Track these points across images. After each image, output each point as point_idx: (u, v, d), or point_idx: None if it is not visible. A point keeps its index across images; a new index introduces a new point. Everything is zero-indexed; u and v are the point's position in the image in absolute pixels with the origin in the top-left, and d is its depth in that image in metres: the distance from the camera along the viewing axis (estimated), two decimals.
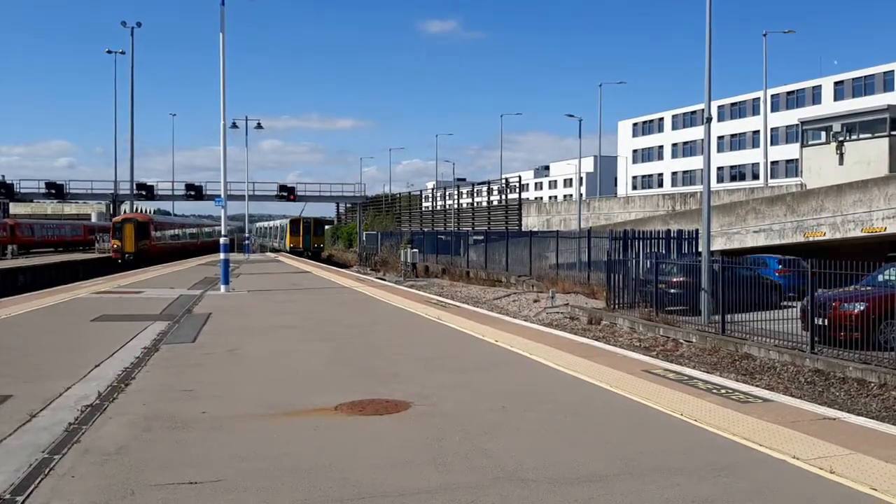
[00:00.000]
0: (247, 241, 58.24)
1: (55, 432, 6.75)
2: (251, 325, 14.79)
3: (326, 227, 79.82)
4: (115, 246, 50.67)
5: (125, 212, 58.70)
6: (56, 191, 61.75)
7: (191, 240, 70.66)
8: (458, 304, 20.47)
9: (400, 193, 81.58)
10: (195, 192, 64.73)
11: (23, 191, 62.07)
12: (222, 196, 24.92)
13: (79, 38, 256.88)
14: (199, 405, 7.88)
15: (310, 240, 65.66)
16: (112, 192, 61.75)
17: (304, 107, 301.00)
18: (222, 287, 22.32)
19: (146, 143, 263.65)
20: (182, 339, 12.67)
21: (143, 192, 63.68)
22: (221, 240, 23.75)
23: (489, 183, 56.63)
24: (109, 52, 57.49)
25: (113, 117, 68.39)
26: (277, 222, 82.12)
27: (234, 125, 52.36)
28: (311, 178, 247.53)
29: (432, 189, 71.49)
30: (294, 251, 62.58)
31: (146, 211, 75.60)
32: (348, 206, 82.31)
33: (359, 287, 24.51)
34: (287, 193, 66.94)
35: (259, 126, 55.05)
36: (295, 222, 67.03)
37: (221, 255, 23.13)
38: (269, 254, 65.48)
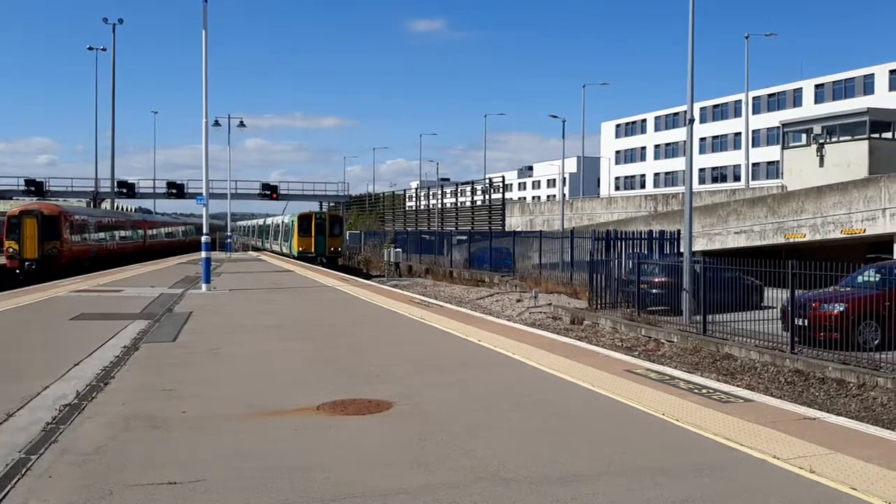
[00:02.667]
0: (229, 240, 57.96)
1: (32, 432, 6.66)
2: (233, 325, 14.69)
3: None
4: (11, 251, 34.83)
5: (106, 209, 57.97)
6: (35, 188, 61.19)
7: (137, 241, 55.11)
8: (441, 303, 20.44)
9: (384, 193, 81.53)
10: (177, 190, 64.37)
11: (1, 188, 61.48)
12: (204, 194, 24.76)
13: (60, 35, 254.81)
14: (179, 404, 7.81)
15: (324, 242, 48.94)
16: (93, 189, 61.28)
17: (289, 105, 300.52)
18: (203, 286, 22.18)
19: (128, 140, 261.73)
20: (162, 339, 12.56)
21: (124, 190, 63.28)
22: (203, 238, 23.63)
23: (473, 183, 56.66)
24: (90, 48, 56.95)
25: (94, 115, 68.04)
26: (276, 219, 63.90)
27: (217, 123, 52.06)
28: (295, 176, 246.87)
29: (416, 189, 71.24)
30: (304, 257, 47.29)
31: (127, 209, 74.67)
32: (332, 205, 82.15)
33: (341, 286, 24.43)
34: (270, 192, 66.68)
35: (241, 124, 54.78)
36: (305, 218, 50.25)
37: (203, 254, 23.01)
38: (251, 252, 65.00)
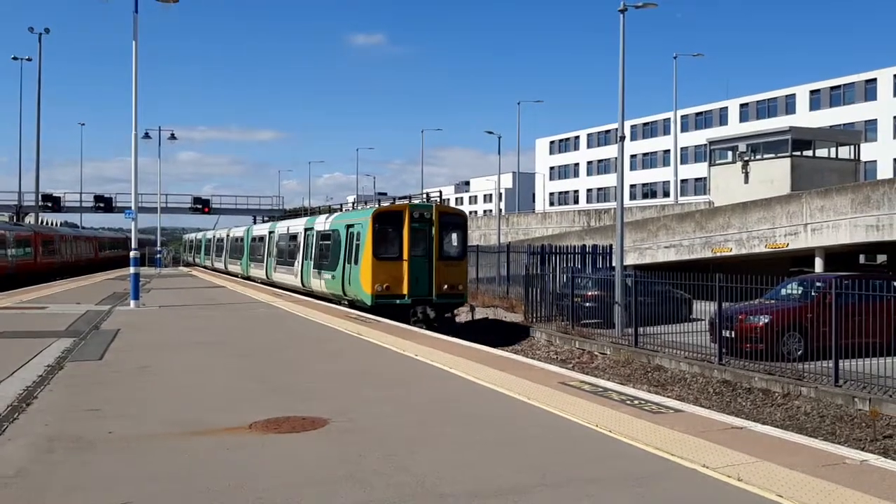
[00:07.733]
0: (158, 255, 56.67)
1: None
2: (162, 342, 14.33)
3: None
4: None
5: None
6: None
7: None
8: (378, 319, 20.32)
9: (319, 207, 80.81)
10: (105, 204, 62.87)
11: None
12: (133, 208, 24.16)
13: None
14: (105, 425, 7.56)
15: (430, 272, 21.52)
16: (16, 203, 59.19)
17: (224, 118, 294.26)
18: (132, 302, 21.60)
19: (54, 153, 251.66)
20: (88, 357, 12.16)
21: (49, 204, 61.35)
22: (132, 253, 23.06)
23: (410, 197, 56.65)
24: (15, 58, 55.04)
25: (18, 126, 65.87)
26: (292, 225, 33.32)
27: (147, 136, 50.96)
28: (229, 190, 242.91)
29: (353, 203, 70.75)
30: (385, 305, 21.13)
31: (53, 224, 71.94)
32: (265, 219, 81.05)
33: (276, 302, 24.09)
34: (201, 206, 65.60)
35: (172, 137, 53.81)
36: (389, 218, 22.25)
37: (131, 270, 22.50)
38: (181, 268, 63.44)
